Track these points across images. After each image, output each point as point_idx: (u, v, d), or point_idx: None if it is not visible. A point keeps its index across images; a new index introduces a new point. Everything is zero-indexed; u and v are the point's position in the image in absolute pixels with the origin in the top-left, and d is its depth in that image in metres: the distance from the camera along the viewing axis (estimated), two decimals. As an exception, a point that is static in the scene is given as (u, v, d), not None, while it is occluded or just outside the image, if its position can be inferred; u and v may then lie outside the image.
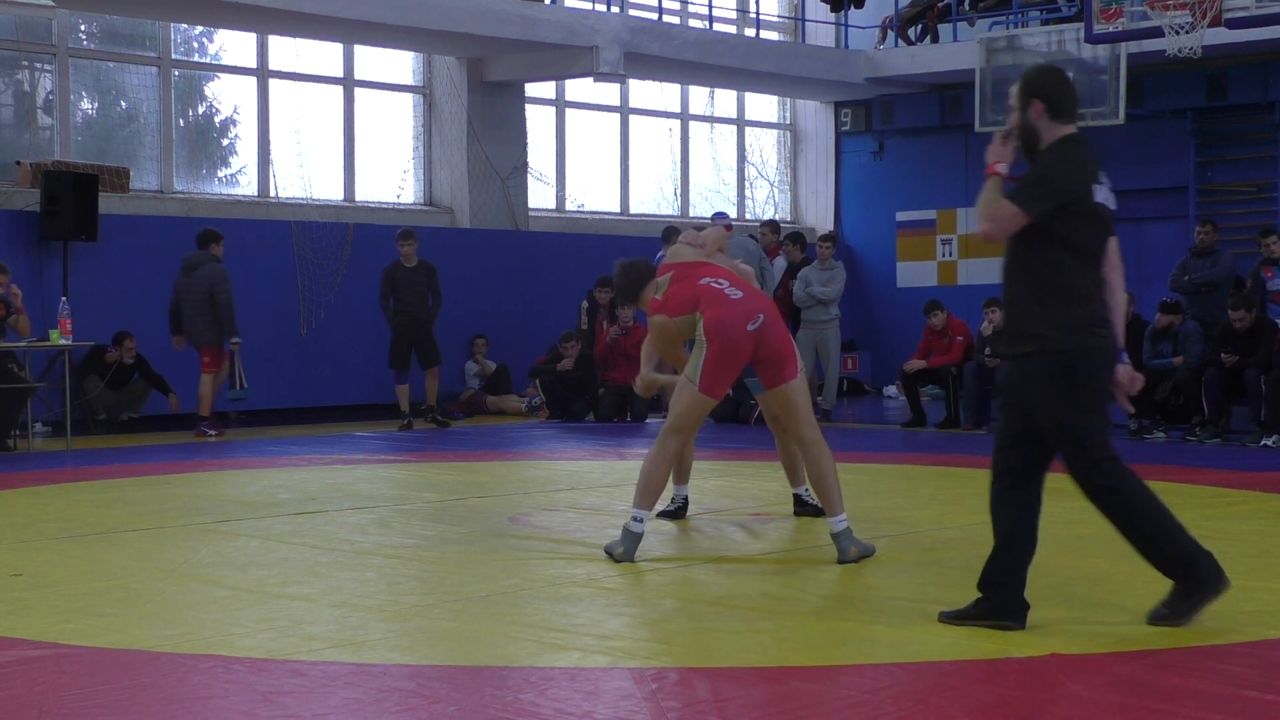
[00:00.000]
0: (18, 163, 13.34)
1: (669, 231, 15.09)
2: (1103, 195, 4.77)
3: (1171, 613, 4.71)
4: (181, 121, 14.89)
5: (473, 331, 15.24)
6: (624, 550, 6.02)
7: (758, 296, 6.25)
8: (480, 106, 16.09)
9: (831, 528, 6.05)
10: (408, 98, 16.35)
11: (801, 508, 7.23)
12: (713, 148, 19.44)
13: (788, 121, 19.95)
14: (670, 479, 6.80)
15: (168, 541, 6.67)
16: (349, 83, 15.80)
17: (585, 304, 15.12)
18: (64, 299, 11.98)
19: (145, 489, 8.76)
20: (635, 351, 14.31)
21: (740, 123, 19.59)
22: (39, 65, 14.01)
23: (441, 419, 13.38)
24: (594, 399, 14.26)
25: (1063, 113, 4.80)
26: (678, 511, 7.23)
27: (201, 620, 4.96)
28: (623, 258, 6.76)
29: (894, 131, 18.89)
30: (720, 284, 6.22)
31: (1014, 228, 4.63)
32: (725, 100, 19.42)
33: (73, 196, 12.70)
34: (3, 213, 12.93)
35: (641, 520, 6.03)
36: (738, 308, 6.11)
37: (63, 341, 11.62)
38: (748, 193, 19.68)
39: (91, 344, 12.54)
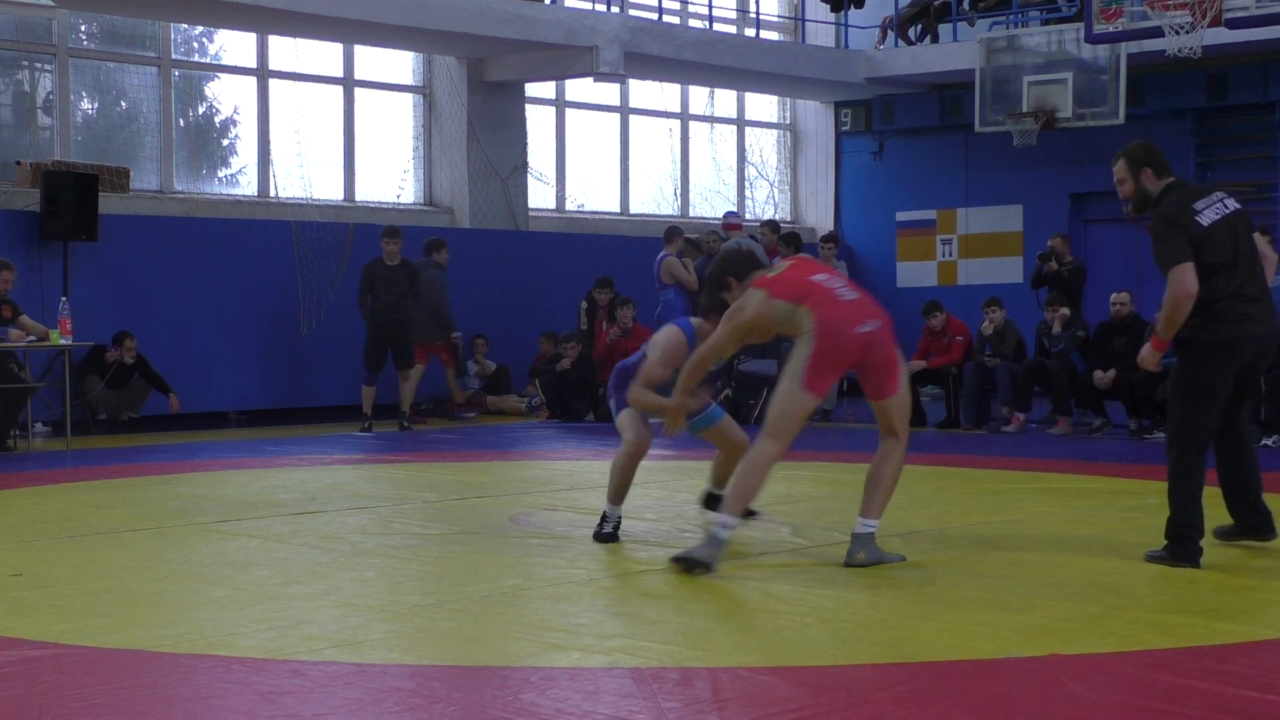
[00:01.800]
0: (18, 163, 13.34)
1: (671, 232, 15.13)
2: (1209, 215, 5.91)
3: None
4: (181, 121, 14.89)
5: (473, 331, 15.23)
6: (708, 555, 5.64)
7: (873, 303, 6.08)
8: (480, 106, 16.09)
9: (857, 528, 5.98)
10: (408, 98, 16.35)
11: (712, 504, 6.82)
12: (713, 148, 19.44)
13: (788, 121, 19.96)
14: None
15: (168, 541, 6.66)
16: (349, 83, 15.81)
17: (584, 304, 15.12)
18: (64, 299, 11.98)
19: (145, 489, 8.76)
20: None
21: (740, 123, 19.59)
22: (39, 65, 14.01)
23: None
24: (594, 399, 14.26)
25: (1164, 171, 6.05)
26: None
27: (201, 620, 4.95)
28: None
29: (894, 131, 18.89)
30: (834, 284, 6.03)
31: (1190, 274, 5.78)
32: (725, 100, 19.42)
33: (73, 196, 12.71)
34: (3, 213, 12.93)
35: (729, 528, 5.74)
36: (850, 309, 5.92)
37: (63, 341, 11.62)
38: (747, 193, 19.68)
39: (91, 344, 12.55)
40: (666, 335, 6.61)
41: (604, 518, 6.65)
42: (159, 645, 4.54)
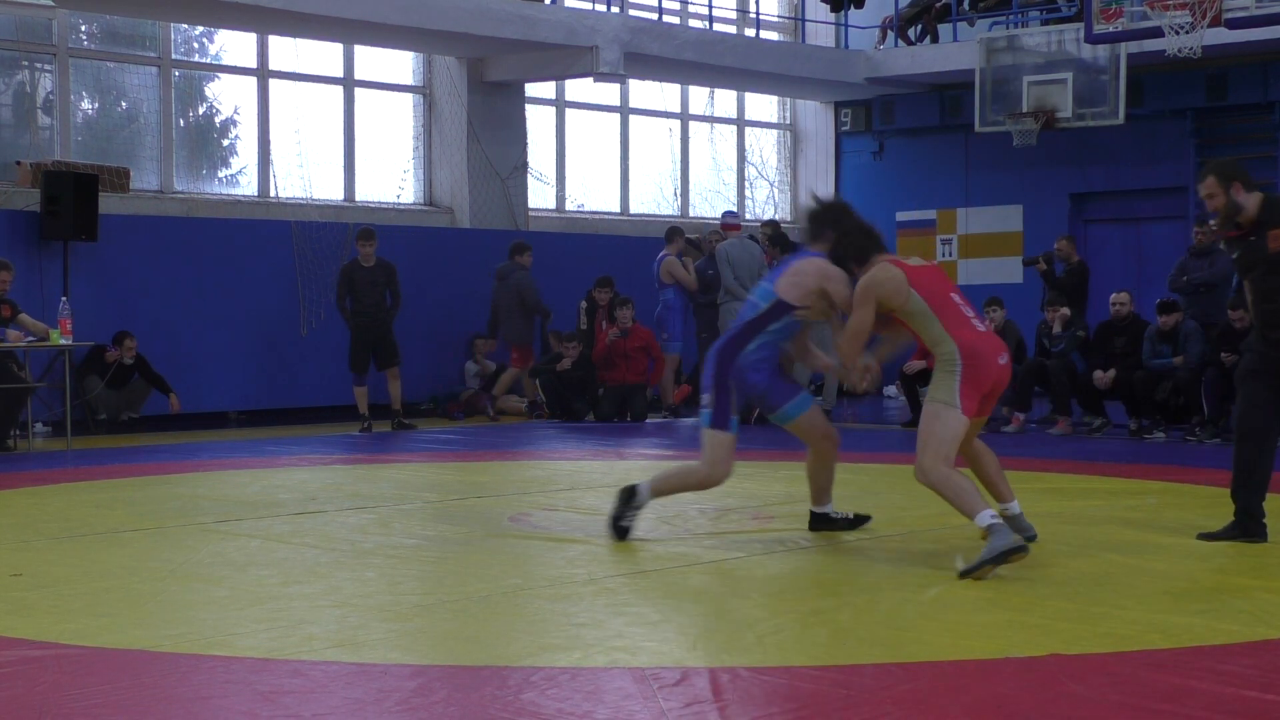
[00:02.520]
0: (18, 163, 13.34)
1: (672, 232, 15.13)
2: None
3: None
4: (182, 121, 14.89)
5: (472, 331, 15.24)
6: (1006, 542, 5.60)
7: (996, 335, 6.28)
8: (480, 106, 16.09)
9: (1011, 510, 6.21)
10: (408, 98, 16.35)
11: (824, 524, 6.84)
12: (713, 148, 19.44)
13: (788, 121, 19.96)
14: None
15: (168, 541, 6.66)
16: (349, 83, 15.81)
17: (584, 304, 15.12)
18: (64, 299, 11.97)
19: (145, 489, 8.76)
20: (634, 352, 14.31)
21: (740, 123, 19.59)
22: (39, 65, 14.01)
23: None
24: (594, 399, 14.26)
25: (1251, 183, 6.32)
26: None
27: (202, 620, 4.95)
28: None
29: (894, 131, 18.89)
30: (968, 311, 6.15)
31: None
32: (725, 100, 19.42)
33: (73, 196, 12.71)
34: (3, 213, 12.93)
35: (992, 515, 5.77)
36: (989, 340, 6.14)
37: (63, 341, 11.61)
38: (747, 193, 19.69)
39: (91, 344, 12.55)
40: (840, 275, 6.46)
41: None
42: (159, 645, 4.54)
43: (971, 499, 5.86)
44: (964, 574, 5.60)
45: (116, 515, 7.54)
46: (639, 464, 10.24)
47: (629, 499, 6.60)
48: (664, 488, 6.66)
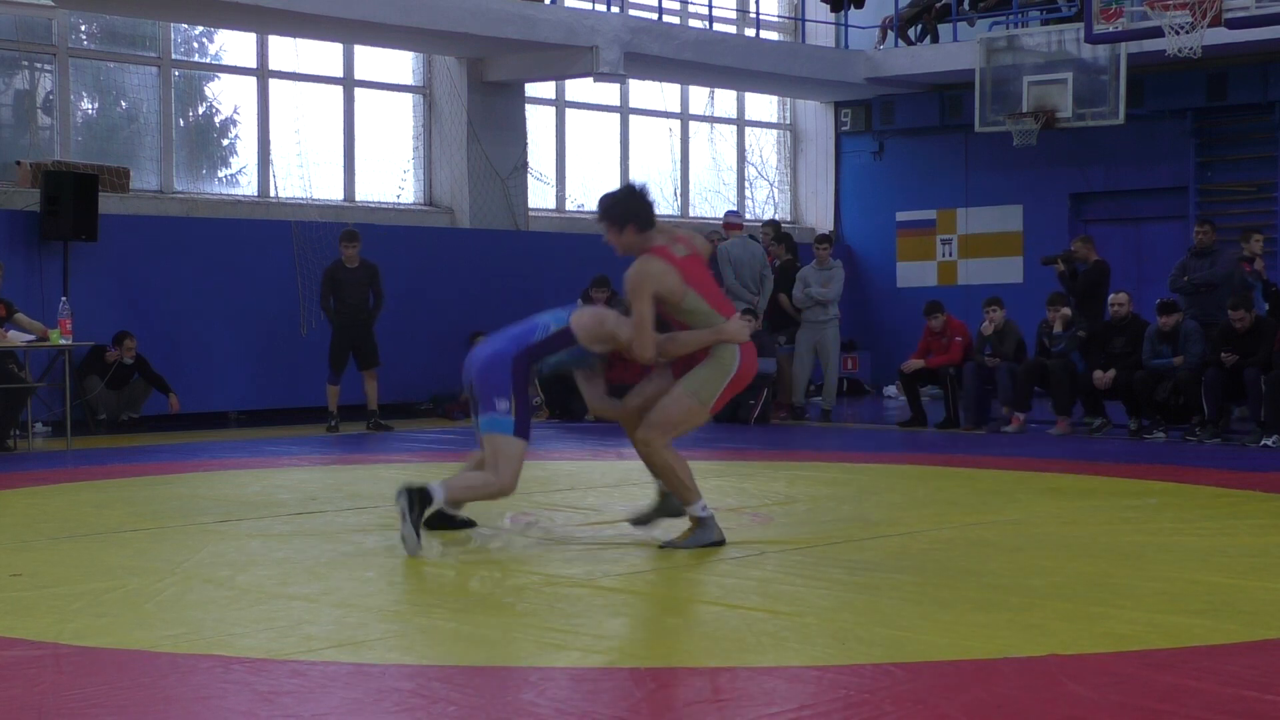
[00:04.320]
0: (18, 163, 13.35)
1: (669, 231, 15.12)
2: None
3: None
4: (181, 121, 14.89)
5: (472, 331, 15.23)
6: (711, 536, 6.21)
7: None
8: (480, 106, 16.09)
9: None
10: (408, 98, 16.35)
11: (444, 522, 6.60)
12: (713, 148, 19.45)
13: (788, 121, 19.96)
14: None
15: (168, 542, 6.67)
16: (349, 83, 15.81)
17: (580, 303, 15.09)
18: (64, 299, 11.97)
19: (145, 489, 8.76)
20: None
21: (740, 123, 19.59)
22: (39, 65, 14.01)
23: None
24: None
25: None
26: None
27: (201, 620, 4.95)
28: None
29: (894, 131, 18.89)
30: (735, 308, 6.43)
31: None
32: (725, 100, 19.42)
33: (73, 197, 12.71)
34: (2, 213, 12.93)
35: (704, 507, 6.24)
36: (751, 344, 6.36)
37: (62, 341, 11.61)
38: (747, 193, 19.69)
39: (91, 344, 12.55)
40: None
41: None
42: (158, 645, 4.54)
43: (687, 488, 6.24)
44: (664, 545, 6.22)
45: (116, 515, 7.54)
46: (639, 464, 10.22)
47: (422, 502, 6.19)
48: (459, 497, 6.39)
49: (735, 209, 18.19)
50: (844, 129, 19.38)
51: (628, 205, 6.33)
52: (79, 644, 4.56)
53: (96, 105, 14.63)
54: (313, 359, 14.37)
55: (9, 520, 7.43)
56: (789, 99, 19.73)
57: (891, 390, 16.23)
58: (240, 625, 4.85)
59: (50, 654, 4.44)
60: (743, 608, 5.10)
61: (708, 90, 19.06)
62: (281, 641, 4.60)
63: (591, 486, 8.74)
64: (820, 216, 19.58)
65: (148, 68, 14.55)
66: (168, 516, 7.46)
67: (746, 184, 19.69)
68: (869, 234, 19.05)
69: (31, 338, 11.54)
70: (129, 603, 5.26)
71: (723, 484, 8.72)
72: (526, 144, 16.67)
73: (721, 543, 6.28)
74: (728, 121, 19.51)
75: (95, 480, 9.16)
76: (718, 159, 19.52)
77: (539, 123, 17.23)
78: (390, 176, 16.18)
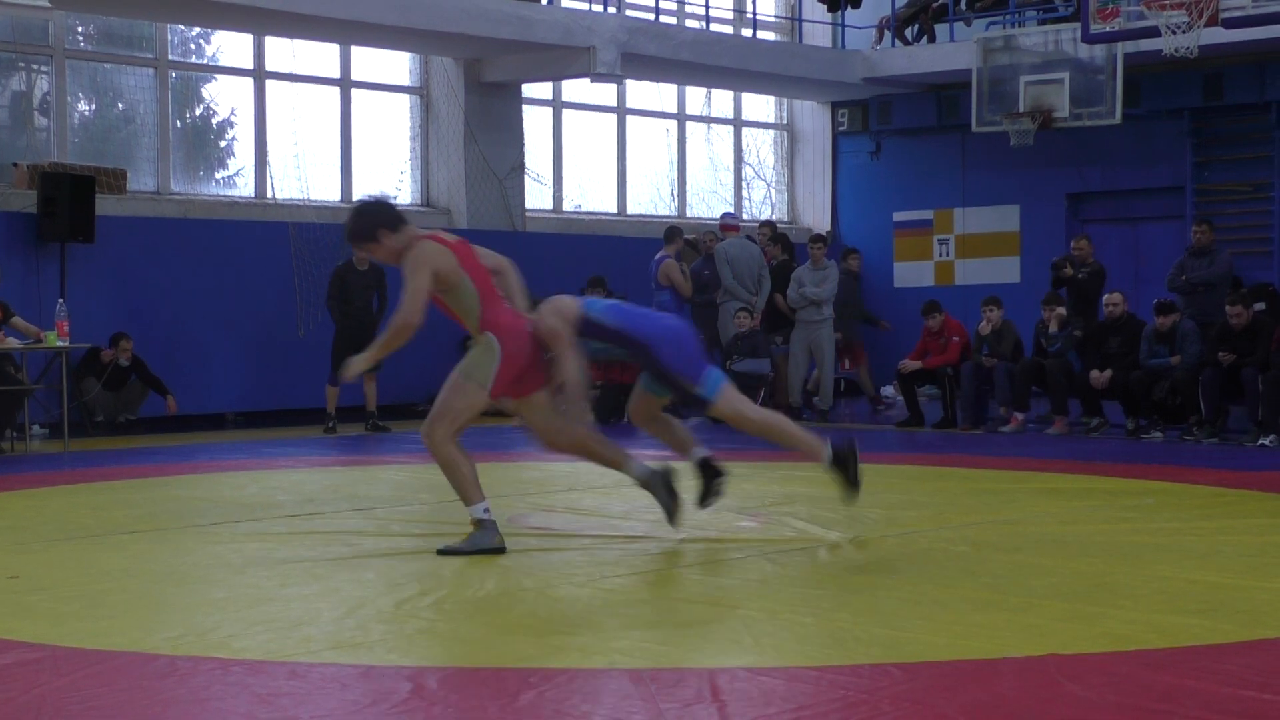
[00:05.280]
0: (14, 164, 13.34)
1: (671, 232, 15.14)
2: None
3: None
4: (178, 123, 14.89)
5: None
6: (489, 541, 6.17)
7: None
8: (477, 107, 16.10)
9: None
10: (404, 98, 16.36)
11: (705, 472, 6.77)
12: (709, 148, 19.44)
13: (784, 121, 19.96)
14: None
15: (165, 544, 6.67)
16: (346, 84, 15.81)
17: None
18: (61, 301, 11.97)
19: (143, 491, 8.76)
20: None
21: (737, 123, 19.59)
22: (35, 66, 14.01)
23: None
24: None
25: None
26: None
27: (199, 622, 4.95)
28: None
29: (891, 131, 18.89)
30: (499, 290, 6.35)
31: None
32: (722, 100, 19.42)
33: (70, 198, 12.71)
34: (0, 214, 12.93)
35: (485, 509, 6.24)
36: (518, 318, 6.34)
37: (59, 343, 11.61)
38: (745, 193, 19.69)
39: (88, 346, 12.54)
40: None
41: None
42: (157, 648, 4.54)
43: (470, 487, 6.23)
44: (441, 551, 6.17)
45: (114, 517, 7.54)
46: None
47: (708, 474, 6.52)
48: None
49: (732, 210, 18.20)
50: (841, 129, 19.39)
51: (367, 217, 6.30)
52: (77, 646, 4.56)
53: (93, 106, 14.63)
54: (310, 360, 14.37)
55: (6, 522, 7.43)
56: (786, 99, 19.73)
57: (889, 390, 16.23)
58: (239, 627, 4.85)
59: (48, 656, 4.44)
60: (742, 608, 5.11)
61: (705, 90, 19.06)
62: (280, 643, 4.60)
63: (590, 487, 8.74)
64: (817, 217, 19.58)
65: (144, 69, 14.55)
66: (165, 518, 7.46)
67: (744, 184, 19.69)
68: (866, 234, 19.04)
69: (28, 340, 11.56)
70: (127, 605, 5.26)
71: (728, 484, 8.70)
72: (523, 145, 16.68)
73: (501, 550, 6.16)
74: (725, 122, 19.51)
75: (93, 482, 9.16)
76: (715, 159, 19.52)
77: (536, 123, 17.23)
78: (387, 177, 16.18)
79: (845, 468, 6.37)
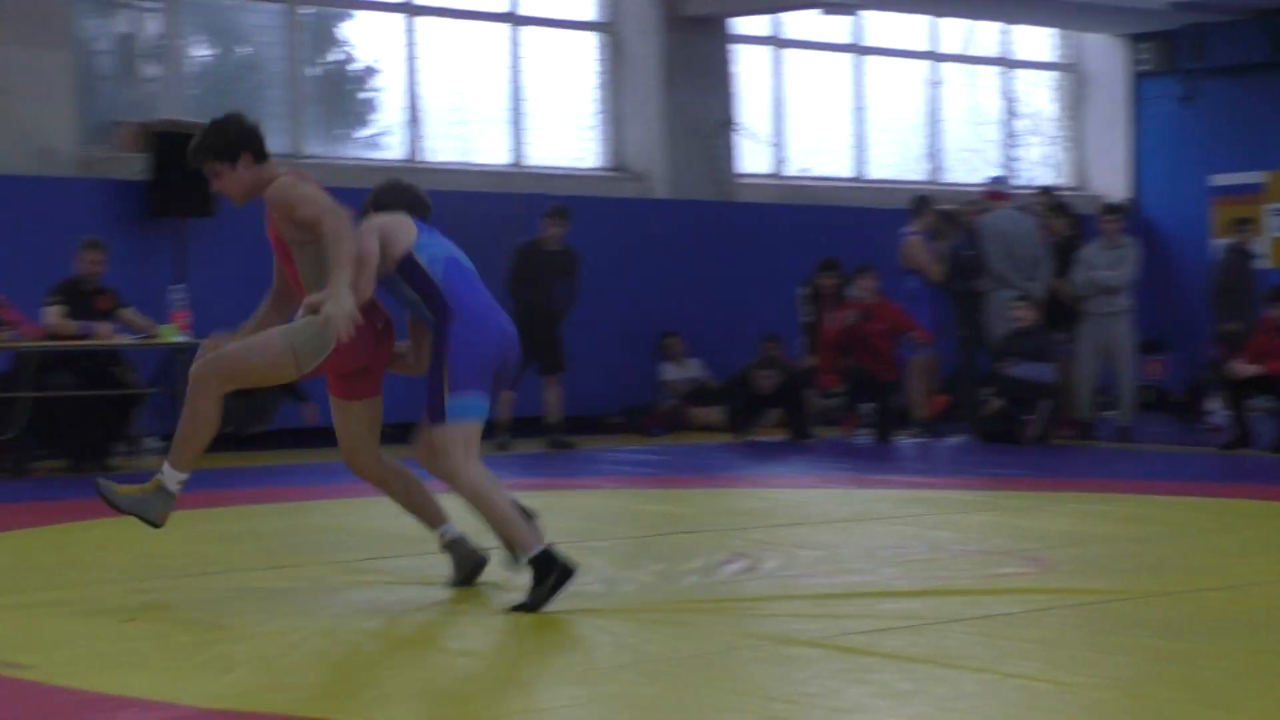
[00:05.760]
0: (117, 123, 13.70)
1: (920, 202, 15.04)
2: None
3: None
4: (312, 71, 15.19)
5: (664, 325, 15.30)
6: (152, 508, 6.34)
7: None
8: (677, 47, 16.15)
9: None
10: (589, 37, 16.49)
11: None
12: (972, 96, 19.25)
13: (1069, 61, 19.66)
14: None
15: (303, 583, 6.83)
16: (515, 19, 15.98)
17: (806, 290, 15.07)
18: (177, 286, 12.25)
19: (276, 519, 9.01)
20: (877, 339, 14.12)
21: (1007, 63, 19.37)
22: (144, 5, 14.39)
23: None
24: (801, 414, 14.10)
25: None
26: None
27: (348, 679, 5.07)
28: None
29: (1207, 71, 18.48)
30: None
31: None
32: (987, 35, 19.21)
33: (185, 162, 13.06)
34: (101, 183, 13.34)
35: (180, 481, 6.47)
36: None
37: (177, 338, 11.88)
38: (1017, 153, 19.46)
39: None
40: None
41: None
42: (297, 709, 4.65)
43: (190, 456, 6.56)
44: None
45: (242, 551, 7.76)
46: (880, 492, 10.19)
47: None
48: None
49: (1001, 174, 17.98)
50: (1142, 68, 19.03)
51: (231, 133, 6.47)
52: (197, 705, 4.69)
53: (212, 52, 15.03)
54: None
55: (119, 557, 7.69)
56: (1070, 32, 19.42)
57: (1215, 407, 15.81)
58: (394, 687, 4.95)
59: (167, 717, 4.58)
60: (1020, 676, 5.04)
61: (966, 23, 18.87)
62: (444, 710, 4.68)
63: (824, 521, 8.73)
64: (1112, 181, 19.24)
65: (271, 4, 14.86)
66: (303, 553, 7.65)
67: (1016, 141, 19.45)
68: (1174, 203, 18.66)
69: (139, 335, 11.85)
70: (260, 657, 5.40)
71: (991, 519, 8.63)
72: (734, 94, 16.70)
73: (156, 524, 6.36)
74: (991, 62, 19.29)
75: (217, 507, 9.43)
76: (978, 110, 19.32)
77: (750, 67, 17.25)
78: (568, 135, 16.32)
79: (544, 579, 6.13)
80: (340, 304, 6.08)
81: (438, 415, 6.46)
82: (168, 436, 12.71)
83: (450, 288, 6.45)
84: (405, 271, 6.44)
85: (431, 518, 6.78)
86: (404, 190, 6.77)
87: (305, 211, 6.28)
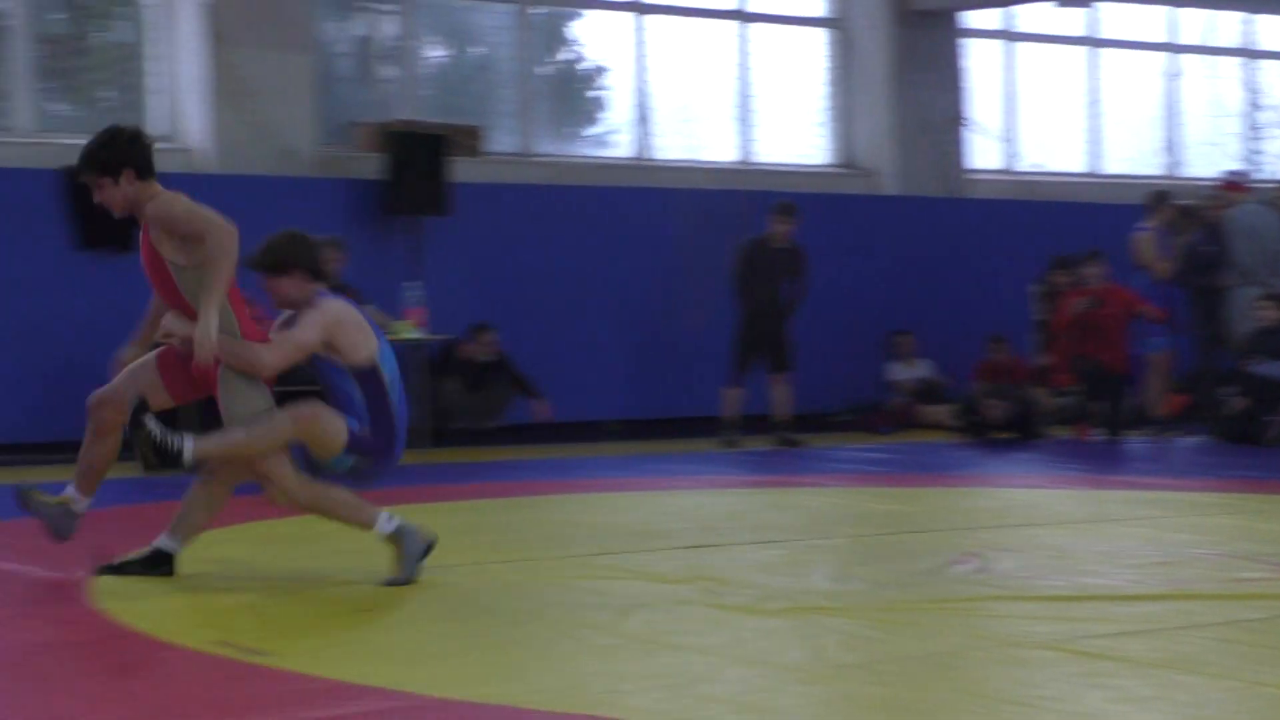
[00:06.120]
0: (355, 123, 13.98)
1: (1156, 198, 14.70)
2: None
3: None
4: (543, 70, 15.33)
5: (892, 323, 15.16)
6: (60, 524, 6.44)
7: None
8: (907, 42, 16.01)
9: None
10: (818, 33, 16.42)
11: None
12: (1212, 88, 18.81)
13: (1315, 49, 19.12)
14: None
15: (535, 577, 6.89)
16: (744, 16, 15.99)
17: (1039, 288, 14.84)
18: (412, 284, 12.47)
19: (508, 513, 9.10)
20: (1109, 324, 13.79)
21: (1250, 54, 18.89)
22: (380, 7, 14.68)
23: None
24: (1029, 413, 13.86)
25: None
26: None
27: (580, 673, 5.09)
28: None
29: None
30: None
31: None
32: (1229, 26, 18.75)
33: (421, 161, 13.28)
34: (340, 182, 13.63)
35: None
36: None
37: (414, 334, 12.09)
38: (1260, 146, 18.97)
39: (445, 338, 13.08)
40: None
41: None
42: (528, 700, 4.68)
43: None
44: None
45: (476, 543, 7.85)
46: (1114, 493, 9.99)
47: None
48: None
49: (1243, 167, 17.55)
50: (1391, 58, 18.39)
51: (119, 148, 6.38)
52: (435, 695, 4.75)
53: (445, 53, 15.25)
54: (702, 358, 14.58)
55: (352, 546, 7.84)
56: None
57: None
58: (627, 680, 4.96)
59: (404, 705, 4.64)
60: (1269, 685, 4.89)
61: (1206, 13, 18.43)
62: (675, 702, 4.68)
63: (1058, 522, 8.57)
64: (1358, 174, 18.64)
65: (504, 6, 15.04)
66: (535, 546, 7.72)
67: (1258, 135, 18.96)
68: None
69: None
70: (492, 648, 5.46)
71: (1232, 522, 8.41)
72: (966, 88, 16.50)
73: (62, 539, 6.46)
74: (1233, 53, 18.81)
75: (449, 501, 9.56)
76: (1219, 103, 18.88)
77: (981, 62, 17.04)
78: (797, 132, 16.28)
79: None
80: (206, 331, 6.19)
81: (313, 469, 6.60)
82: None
83: (400, 413, 6.70)
84: (362, 379, 6.62)
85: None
86: (307, 248, 6.71)
87: (189, 226, 6.31)
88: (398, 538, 6.56)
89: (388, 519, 6.57)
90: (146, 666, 5.27)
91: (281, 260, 6.58)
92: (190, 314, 6.33)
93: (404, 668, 5.15)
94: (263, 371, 6.46)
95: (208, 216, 6.31)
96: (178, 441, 6.30)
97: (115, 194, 6.44)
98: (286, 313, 6.72)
